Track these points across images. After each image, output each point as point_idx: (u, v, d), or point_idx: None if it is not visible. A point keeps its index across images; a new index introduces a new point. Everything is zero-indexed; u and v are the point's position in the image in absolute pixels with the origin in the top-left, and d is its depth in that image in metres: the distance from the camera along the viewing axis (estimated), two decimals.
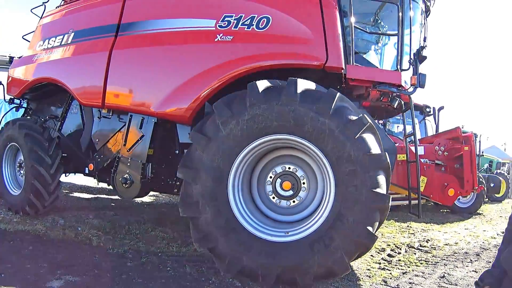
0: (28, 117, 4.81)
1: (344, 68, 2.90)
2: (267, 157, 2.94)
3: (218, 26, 3.16)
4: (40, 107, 4.90)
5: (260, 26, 3.06)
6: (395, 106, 3.35)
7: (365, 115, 2.58)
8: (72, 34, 4.08)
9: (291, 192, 2.84)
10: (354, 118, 2.49)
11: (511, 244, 1.06)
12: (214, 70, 3.10)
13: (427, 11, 3.79)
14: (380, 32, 3.46)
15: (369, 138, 2.50)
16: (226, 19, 3.16)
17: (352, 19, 3.05)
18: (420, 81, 3.03)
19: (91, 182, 6.31)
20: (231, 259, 2.55)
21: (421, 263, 3.31)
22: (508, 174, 11.88)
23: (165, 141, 3.62)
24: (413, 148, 3.37)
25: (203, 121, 2.79)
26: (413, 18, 3.45)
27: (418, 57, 3.14)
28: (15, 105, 4.98)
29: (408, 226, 5.33)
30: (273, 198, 2.89)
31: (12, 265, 2.70)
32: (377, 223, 2.51)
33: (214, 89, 3.05)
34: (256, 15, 3.07)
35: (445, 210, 6.84)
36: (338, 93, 2.55)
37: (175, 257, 3.12)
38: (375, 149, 2.48)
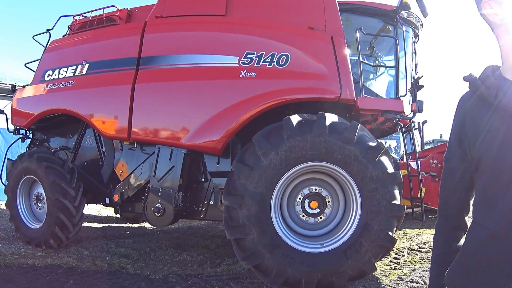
0: (41, 149, 5.23)
1: (355, 99, 3.87)
2: (295, 181, 3.81)
3: (241, 62, 4.01)
4: (48, 138, 5.40)
5: (280, 63, 3.95)
6: (397, 129, 4.40)
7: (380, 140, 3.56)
8: (87, 65, 4.69)
9: (318, 210, 3.74)
10: (373, 144, 3.45)
11: (444, 266, 1.15)
12: (241, 105, 3.93)
13: (416, 37, 4.92)
14: (381, 65, 4.50)
15: (385, 160, 3.46)
16: (248, 56, 4.02)
17: (360, 55, 4.06)
18: (418, 107, 4.08)
19: (94, 210, 6.77)
20: (277, 271, 3.36)
21: (425, 261, 4.33)
22: None
23: (191, 170, 4.36)
24: (412, 164, 4.43)
25: (242, 152, 3.60)
26: (407, 47, 4.55)
27: (416, 87, 4.20)
28: (21, 135, 5.43)
29: (404, 233, 6.42)
30: (303, 216, 3.77)
31: None
32: (395, 228, 3.47)
33: (243, 122, 3.88)
34: (276, 53, 3.96)
35: (433, 216, 8.09)
36: (359, 124, 3.49)
37: (215, 277, 3.86)
38: (390, 168, 3.44)
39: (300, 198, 3.76)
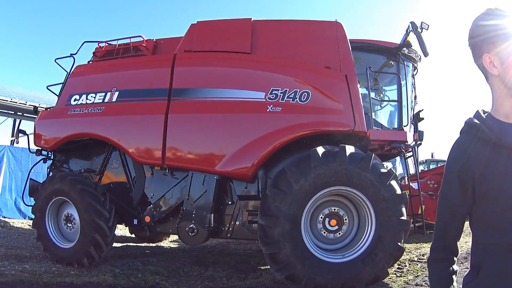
0: (70, 171, 6.12)
1: (366, 131, 5.10)
2: (316, 203, 4.95)
3: (268, 98, 5.14)
4: (70, 160, 6.25)
5: (302, 99, 5.12)
6: (399, 154, 5.69)
7: (390, 167, 4.82)
8: (117, 93, 5.65)
9: (336, 227, 4.92)
10: (384, 171, 4.67)
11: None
12: (270, 136, 5.05)
13: (415, 70, 6.26)
14: (387, 99, 5.79)
15: (394, 183, 4.69)
16: (273, 92, 5.16)
17: (370, 91, 5.32)
18: (419, 137, 5.39)
19: None
20: (307, 280, 4.48)
21: (425, 270, 5.60)
22: None
23: (220, 193, 5.42)
24: (413, 185, 5.74)
25: (275, 178, 4.72)
26: (408, 81, 5.87)
27: (417, 119, 5.50)
28: (43, 156, 6.26)
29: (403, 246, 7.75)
30: (324, 232, 4.93)
31: None
32: (403, 239, 4.70)
33: (271, 151, 5.01)
34: (298, 90, 5.13)
35: (429, 232, 9.49)
36: (373, 154, 4.70)
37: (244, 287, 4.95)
38: (398, 190, 4.67)
39: (321, 217, 4.92)
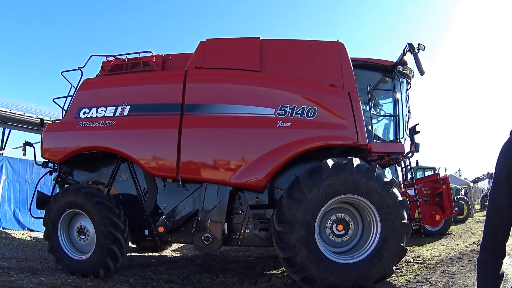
0: (82, 184, 6.78)
1: (368, 144, 6.18)
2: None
3: (278, 114, 6.10)
4: (77, 172, 6.90)
5: (309, 115, 6.12)
6: (394, 163, 6.83)
7: (391, 175, 5.92)
8: (128, 107, 6.39)
9: (343, 232, 5.96)
10: (387, 179, 5.74)
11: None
12: (281, 150, 5.98)
13: (408, 85, 7.43)
14: (386, 114, 6.91)
15: (396, 191, 5.76)
16: (283, 108, 6.14)
17: (370, 107, 6.42)
18: (416, 148, 6.53)
19: None
20: (321, 280, 5.44)
21: (423, 269, 6.70)
22: (467, 197, 17.56)
23: (231, 203, 6.32)
24: (409, 192, 6.89)
25: (289, 188, 5.65)
26: (402, 96, 7.03)
27: (414, 132, 6.64)
28: (50, 168, 6.89)
29: None
30: (332, 237, 5.95)
31: None
32: (405, 241, 5.79)
33: (282, 164, 5.96)
34: (306, 106, 6.13)
35: (419, 236, 10.79)
36: (377, 165, 5.78)
37: None
38: (400, 197, 5.75)
39: (329, 223, 5.94)
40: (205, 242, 6.00)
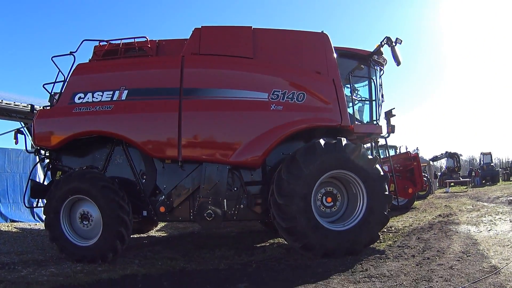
0: (85, 170, 7.18)
1: (350, 125, 7.34)
2: None
3: (271, 98, 7.04)
4: (69, 158, 7.35)
5: (299, 99, 7.14)
6: (370, 141, 8.10)
7: (374, 152, 7.14)
8: (126, 91, 6.95)
9: (332, 203, 7.09)
10: (371, 157, 6.96)
11: None
12: (275, 130, 6.94)
13: (381, 71, 8.70)
14: (363, 99, 8.12)
15: (379, 166, 6.99)
16: (275, 93, 7.09)
17: (352, 93, 7.59)
18: (392, 130, 7.82)
19: None
20: (319, 246, 6.49)
21: (399, 237, 7.96)
22: (427, 174, 19.75)
23: (228, 181, 7.17)
24: (385, 168, 8.20)
25: (287, 165, 6.62)
26: (377, 82, 8.28)
27: (389, 116, 7.92)
28: (42, 156, 7.21)
29: None
30: (322, 208, 7.06)
31: None
32: (387, 210, 7.02)
33: (276, 143, 6.92)
34: (295, 91, 7.13)
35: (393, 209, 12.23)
36: (362, 144, 6.96)
37: (261, 261, 6.76)
38: (381, 171, 6.99)
39: (320, 196, 7.03)
40: (208, 218, 6.80)
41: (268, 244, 8.29)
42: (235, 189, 7.22)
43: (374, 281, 5.20)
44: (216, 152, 6.98)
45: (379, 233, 7.01)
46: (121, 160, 7.35)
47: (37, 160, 7.61)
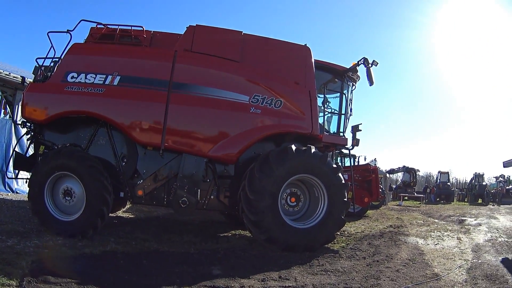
0: (71, 147, 7.99)
1: (319, 135, 8.58)
2: None
3: (251, 101, 8.17)
4: (53, 134, 8.18)
5: (276, 106, 8.31)
6: (334, 150, 9.40)
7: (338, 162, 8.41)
8: (118, 77, 7.87)
9: (295, 203, 8.32)
10: (335, 166, 8.21)
11: None
12: (252, 131, 8.10)
13: (353, 87, 10.00)
14: (333, 112, 9.40)
15: (341, 175, 8.28)
16: (255, 97, 8.22)
17: (324, 105, 8.84)
18: (356, 143, 9.14)
19: None
20: (282, 240, 7.65)
21: (351, 240, 9.31)
22: (382, 186, 21.45)
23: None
24: (345, 176, 9.49)
25: (261, 163, 7.74)
26: (348, 96, 9.58)
27: (356, 130, 9.23)
28: (27, 128, 7.96)
29: None
30: (286, 207, 8.27)
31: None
32: (344, 215, 8.31)
33: (252, 143, 8.08)
34: (274, 98, 8.30)
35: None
36: (329, 153, 8.21)
37: (225, 249, 7.88)
38: (343, 180, 8.27)
39: (285, 195, 8.23)
40: (182, 205, 7.89)
41: (230, 234, 9.49)
42: (208, 180, 8.28)
43: (329, 275, 6.35)
44: (196, 145, 8.04)
45: (335, 234, 8.25)
46: (103, 141, 8.27)
47: (22, 132, 8.28)
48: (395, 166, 39.12)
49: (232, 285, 5.66)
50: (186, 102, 8.02)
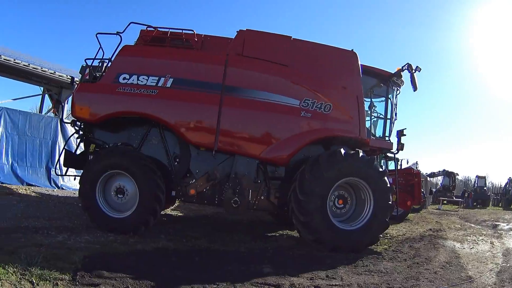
0: (124, 146, 9.56)
1: (366, 139, 10.03)
2: None
3: (301, 105, 9.66)
4: (104, 133, 9.75)
5: (326, 110, 9.79)
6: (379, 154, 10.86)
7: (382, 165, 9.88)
8: (171, 79, 9.39)
9: (342, 205, 9.80)
10: (381, 169, 9.69)
11: None
12: (303, 134, 9.60)
13: (397, 91, 11.44)
14: (379, 116, 10.84)
15: (387, 178, 9.73)
16: (306, 101, 9.71)
17: (371, 109, 10.30)
18: (401, 147, 10.58)
19: None
20: (329, 241, 9.14)
21: (393, 243, 10.81)
22: (423, 189, 23.02)
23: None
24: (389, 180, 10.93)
25: (311, 166, 9.23)
26: (393, 101, 11.03)
27: (401, 135, 10.67)
28: (77, 127, 9.53)
29: None
30: (334, 209, 9.75)
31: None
32: (388, 218, 9.75)
33: (302, 146, 9.58)
34: (323, 102, 9.78)
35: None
36: (374, 157, 9.65)
37: (273, 248, 9.38)
38: (388, 183, 9.72)
39: (333, 198, 9.70)
40: (234, 205, 9.42)
41: (278, 234, 11.11)
42: (259, 181, 9.78)
43: (373, 275, 7.58)
44: (248, 147, 9.57)
45: (378, 236, 9.70)
46: (156, 141, 9.86)
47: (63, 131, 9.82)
48: (435, 170, 40.78)
49: (283, 282, 6.69)
50: (238, 105, 9.51)
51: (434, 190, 41.24)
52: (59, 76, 15.29)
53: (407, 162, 26.59)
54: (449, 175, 39.85)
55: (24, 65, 15.32)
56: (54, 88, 15.89)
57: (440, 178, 43.64)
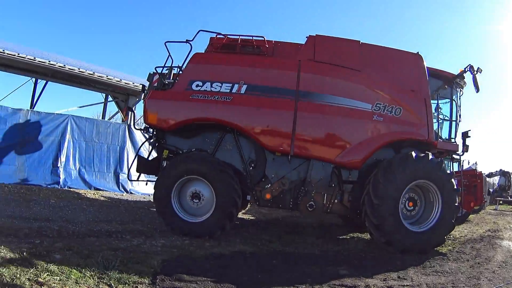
0: (200, 153, 11.23)
1: (434, 141, 11.41)
2: None
3: (373, 109, 11.46)
4: (178, 139, 11.49)
5: (396, 113, 11.53)
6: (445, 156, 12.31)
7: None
8: (245, 86, 11.27)
9: (412, 208, 11.29)
10: (449, 172, 11.43)
11: None
12: (375, 138, 11.58)
13: (461, 93, 12.83)
14: (445, 118, 12.23)
15: (453, 180, 11.27)
16: (377, 105, 11.55)
17: (438, 112, 11.70)
18: (466, 149, 12.02)
19: None
20: (399, 243, 11.13)
21: (456, 244, 12.83)
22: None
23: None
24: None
25: (384, 170, 10.95)
26: (457, 102, 12.41)
27: (466, 136, 12.08)
28: (150, 134, 11.12)
29: None
30: (404, 211, 11.41)
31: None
32: (454, 219, 11.17)
33: (374, 150, 11.39)
34: (394, 106, 11.50)
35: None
36: (443, 159, 11.05)
37: (346, 250, 10.85)
38: (455, 185, 11.38)
39: (404, 200, 11.17)
40: (309, 209, 11.36)
41: (349, 237, 13.17)
42: (333, 185, 11.60)
43: (439, 275, 8.82)
44: (323, 152, 11.41)
45: (444, 238, 11.30)
46: (230, 147, 11.71)
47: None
48: (491, 169, 41.93)
49: (359, 283, 7.65)
50: (312, 109, 11.35)
51: (491, 190, 42.12)
52: (125, 83, 17.28)
53: (468, 162, 27.73)
54: (504, 175, 40.80)
55: (89, 73, 17.42)
56: (120, 95, 17.49)
57: (496, 178, 44.58)
